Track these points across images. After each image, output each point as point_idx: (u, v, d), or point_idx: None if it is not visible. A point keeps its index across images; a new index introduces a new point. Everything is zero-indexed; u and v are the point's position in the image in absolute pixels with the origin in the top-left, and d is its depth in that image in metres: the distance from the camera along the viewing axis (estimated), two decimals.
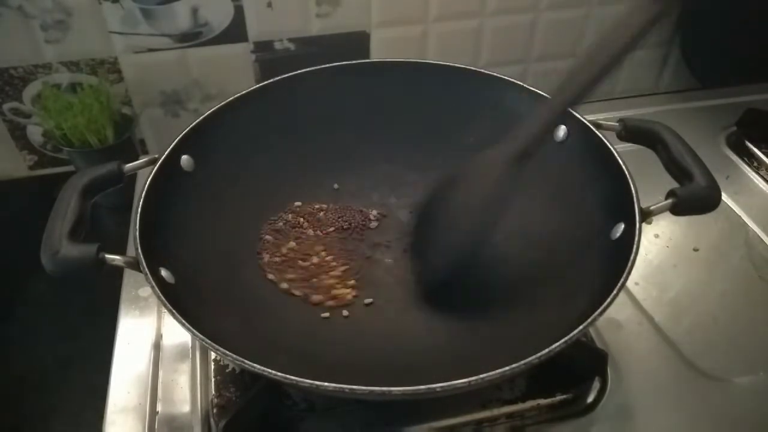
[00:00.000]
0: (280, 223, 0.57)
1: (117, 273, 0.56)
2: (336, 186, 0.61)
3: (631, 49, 0.40)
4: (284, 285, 0.52)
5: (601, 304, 0.39)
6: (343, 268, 0.54)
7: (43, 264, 0.41)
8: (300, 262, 0.54)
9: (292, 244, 0.55)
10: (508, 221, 0.56)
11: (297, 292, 0.52)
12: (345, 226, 0.57)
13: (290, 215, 0.58)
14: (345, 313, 0.51)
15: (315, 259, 0.55)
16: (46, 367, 0.55)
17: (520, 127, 0.46)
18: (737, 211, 0.64)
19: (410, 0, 0.72)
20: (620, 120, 0.52)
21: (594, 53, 0.42)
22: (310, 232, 0.57)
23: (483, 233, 0.49)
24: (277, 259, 0.54)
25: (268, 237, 0.56)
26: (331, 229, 0.57)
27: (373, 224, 0.58)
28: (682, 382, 0.50)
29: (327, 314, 0.51)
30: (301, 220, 0.57)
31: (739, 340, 0.53)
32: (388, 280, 0.54)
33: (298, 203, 0.59)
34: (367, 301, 0.52)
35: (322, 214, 0.58)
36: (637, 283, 0.57)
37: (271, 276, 0.53)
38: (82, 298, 0.59)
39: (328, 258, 0.55)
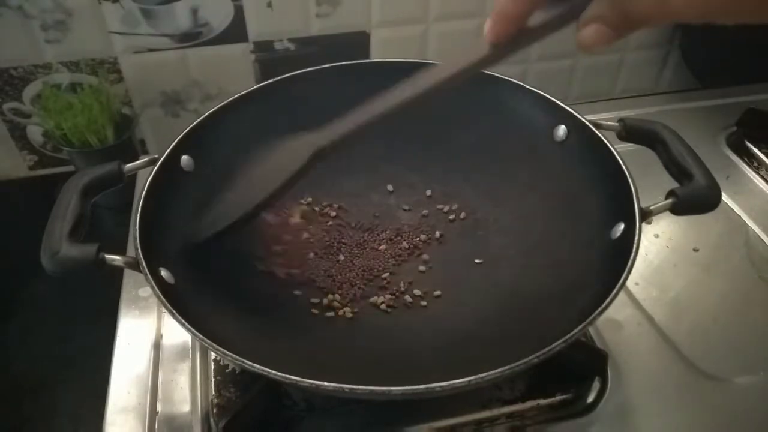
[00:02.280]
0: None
1: (117, 273, 0.56)
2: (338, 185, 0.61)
3: (452, 82, 0.40)
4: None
5: (601, 304, 0.39)
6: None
7: (43, 264, 0.41)
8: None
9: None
10: (508, 221, 0.56)
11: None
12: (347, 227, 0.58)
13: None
14: (349, 314, 0.51)
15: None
16: (46, 367, 0.55)
17: (335, 123, 0.45)
18: (737, 211, 0.64)
19: (410, 0, 0.72)
20: (620, 120, 0.52)
21: (421, 76, 0.42)
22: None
23: (260, 208, 0.48)
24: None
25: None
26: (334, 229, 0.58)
27: (374, 224, 0.58)
28: (682, 382, 0.50)
29: (332, 314, 0.51)
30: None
31: (739, 340, 0.53)
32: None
33: (309, 198, 0.59)
34: (372, 300, 0.52)
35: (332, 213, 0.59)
36: (637, 283, 0.57)
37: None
38: (82, 298, 0.59)
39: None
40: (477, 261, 0.54)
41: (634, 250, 0.42)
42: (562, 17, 0.32)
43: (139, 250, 0.42)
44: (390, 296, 0.52)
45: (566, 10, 0.32)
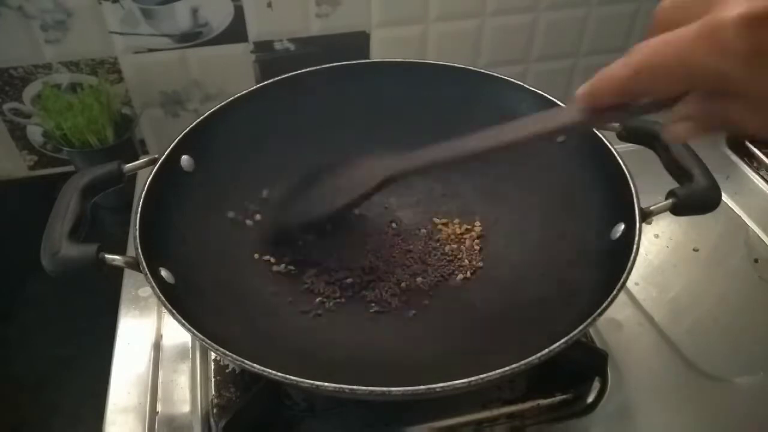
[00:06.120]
0: None
1: (117, 273, 0.56)
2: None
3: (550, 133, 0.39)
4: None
5: (601, 304, 0.39)
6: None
7: (43, 264, 0.41)
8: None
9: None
10: (508, 222, 0.56)
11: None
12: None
13: None
14: (351, 314, 0.50)
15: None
16: (46, 367, 0.55)
17: (415, 153, 0.46)
18: (737, 211, 0.64)
19: (410, 0, 0.72)
20: None
21: (507, 127, 0.40)
22: None
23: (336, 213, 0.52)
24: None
25: None
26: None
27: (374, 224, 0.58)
28: (682, 382, 0.50)
29: (333, 314, 0.51)
30: None
31: (739, 340, 0.53)
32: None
33: None
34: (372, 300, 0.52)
35: None
36: (637, 283, 0.57)
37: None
38: (82, 298, 0.59)
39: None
40: (477, 262, 0.54)
41: (634, 250, 0.42)
42: (658, 105, 0.32)
43: (139, 250, 0.42)
44: (390, 296, 0.52)
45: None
